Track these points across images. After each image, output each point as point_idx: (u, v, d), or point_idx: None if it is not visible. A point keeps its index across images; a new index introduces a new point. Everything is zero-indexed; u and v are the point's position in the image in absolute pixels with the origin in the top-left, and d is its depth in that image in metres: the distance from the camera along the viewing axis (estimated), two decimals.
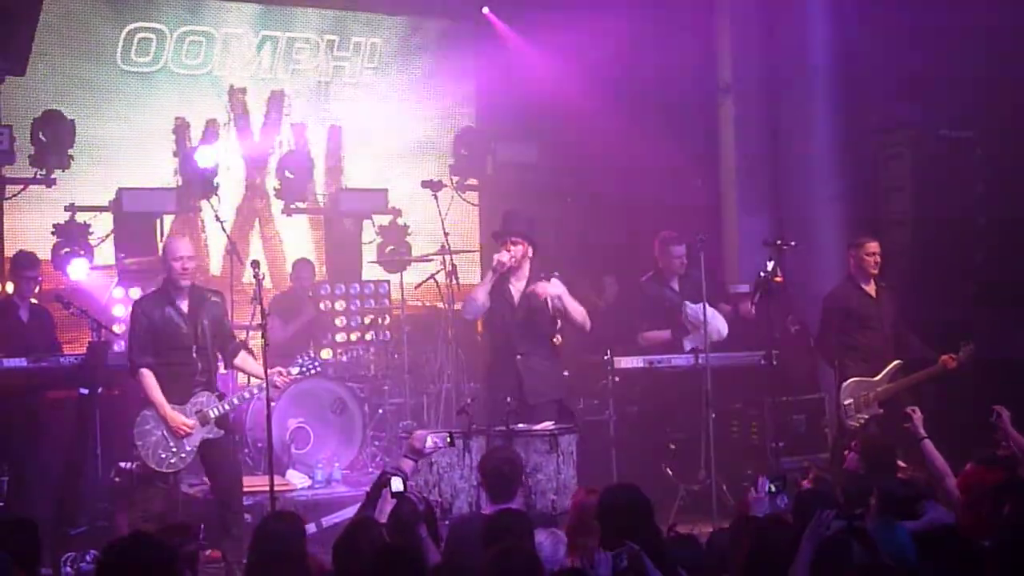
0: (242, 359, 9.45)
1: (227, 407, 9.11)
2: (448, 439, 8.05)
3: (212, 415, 8.97)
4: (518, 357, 9.49)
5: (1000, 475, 7.53)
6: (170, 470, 8.94)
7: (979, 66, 12.13)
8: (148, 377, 8.90)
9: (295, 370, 9.24)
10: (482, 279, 10.02)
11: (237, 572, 8.48)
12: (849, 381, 10.63)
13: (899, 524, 6.54)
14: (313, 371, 9.40)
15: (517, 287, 9.57)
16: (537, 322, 9.61)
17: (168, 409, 8.86)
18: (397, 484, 6.79)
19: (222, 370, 9.58)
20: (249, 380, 9.68)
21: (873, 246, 10.80)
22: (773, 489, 6.91)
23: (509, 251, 9.47)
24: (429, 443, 7.87)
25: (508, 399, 9.10)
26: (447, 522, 7.90)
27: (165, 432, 8.86)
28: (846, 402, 10.60)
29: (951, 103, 12.45)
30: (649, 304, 11.49)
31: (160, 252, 9.32)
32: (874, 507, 6.99)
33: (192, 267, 9.14)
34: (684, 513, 10.41)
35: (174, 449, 8.88)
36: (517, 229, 9.59)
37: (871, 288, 10.81)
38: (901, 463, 8.52)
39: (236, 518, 9.05)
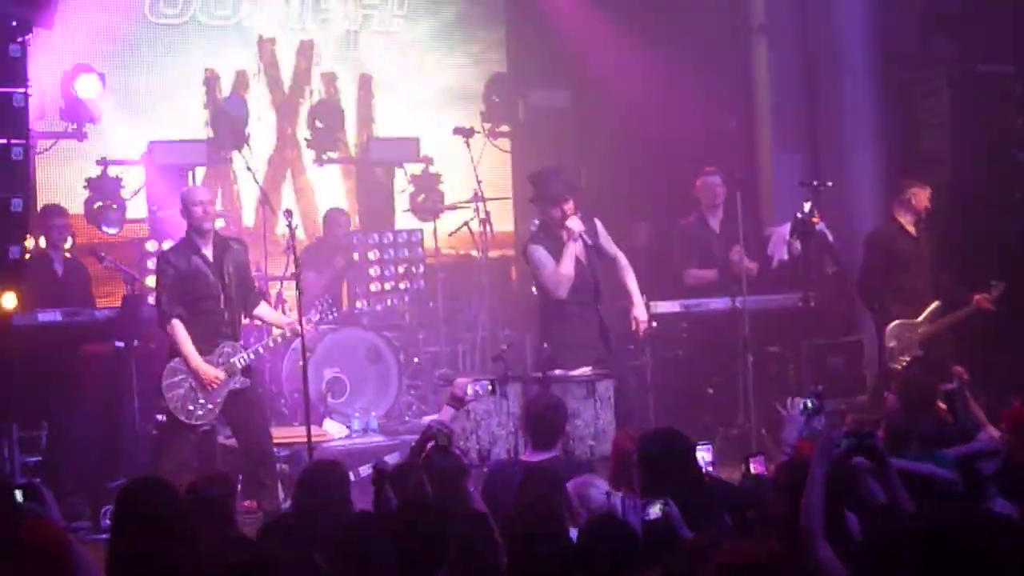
0: (262, 309, 9.43)
1: (252, 356, 9.08)
2: (489, 387, 8.02)
3: (239, 365, 8.94)
4: (599, 307, 9.49)
5: None
6: (198, 422, 8.93)
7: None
8: (179, 328, 8.85)
9: (315, 316, 9.27)
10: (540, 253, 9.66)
11: None
12: (894, 323, 10.55)
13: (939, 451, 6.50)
14: (331, 316, 9.50)
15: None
16: (600, 273, 9.61)
17: (200, 361, 8.81)
18: (443, 439, 6.79)
19: (243, 320, 9.55)
20: (271, 329, 9.69)
21: (929, 191, 10.72)
22: (809, 407, 6.72)
23: (574, 212, 9.43)
24: (470, 391, 7.85)
25: (544, 345, 9.06)
26: (485, 469, 7.88)
27: (193, 384, 8.83)
28: (890, 344, 10.52)
29: (988, 38, 12.27)
30: (694, 244, 11.43)
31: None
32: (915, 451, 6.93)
33: (212, 211, 9.10)
34: (722, 456, 10.35)
35: (202, 401, 8.85)
36: (573, 187, 9.63)
37: (913, 228, 10.71)
38: (941, 404, 8.45)
39: (267, 468, 9.03)
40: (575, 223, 9.36)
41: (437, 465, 6.52)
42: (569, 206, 9.40)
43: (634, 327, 9.75)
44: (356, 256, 12.27)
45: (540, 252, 9.47)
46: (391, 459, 8.84)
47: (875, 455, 5.72)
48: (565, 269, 9.36)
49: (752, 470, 6.78)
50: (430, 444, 6.78)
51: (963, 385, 8.43)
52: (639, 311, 9.71)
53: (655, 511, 5.74)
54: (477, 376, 8.36)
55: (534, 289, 9.91)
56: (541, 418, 7.55)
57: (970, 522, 4.56)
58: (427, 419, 9.17)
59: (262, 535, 5.86)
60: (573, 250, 9.37)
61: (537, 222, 10.00)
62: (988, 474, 6.34)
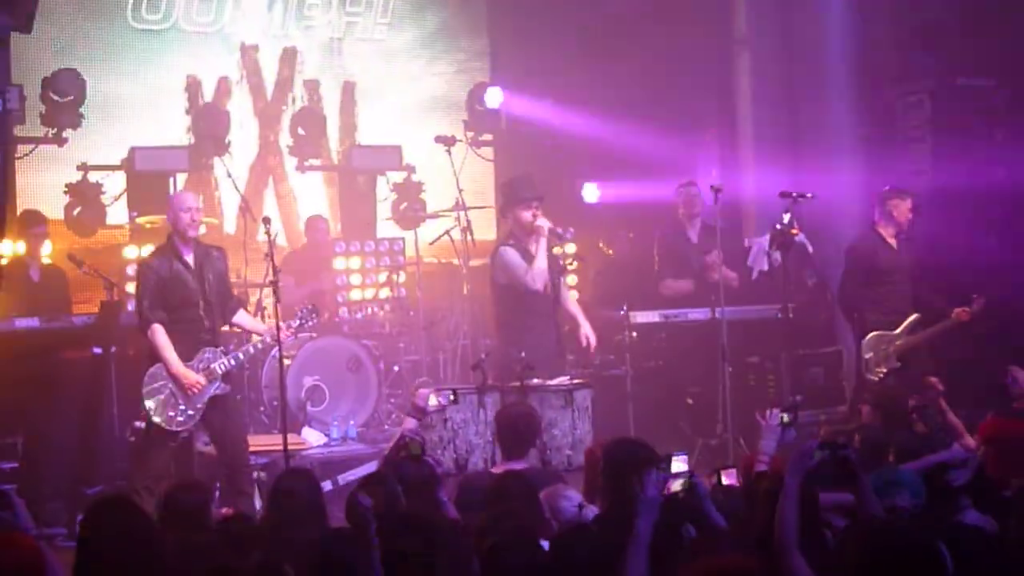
0: (240, 317, 9.41)
1: (232, 362, 9.06)
2: (452, 397, 8.02)
3: (219, 371, 8.92)
4: (556, 318, 9.63)
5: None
6: (179, 428, 8.89)
7: (997, 12, 11.97)
8: (160, 333, 8.83)
9: (295, 323, 9.23)
10: (515, 247, 9.74)
11: None
12: (871, 335, 10.54)
13: (903, 468, 6.47)
14: (311, 323, 9.41)
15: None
16: (559, 282, 9.74)
17: (180, 366, 8.79)
18: (415, 448, 6.77)
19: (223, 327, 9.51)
20: (251, 336, 9.65)
21: (910, 202, 10.72)
22: (785, 420, 6.71)
23: (541, 215, 9.54)
24: (433, 401, 7.84)
25: (522, 354, 9.06)
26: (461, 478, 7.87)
27: (174, 389, 8.81)
28: (867, 356, 10.51)
29: (969, 51, 12.29)
30: (670, 255, 11.46)
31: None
32: (892, 463, 6.92)
33: (200, 218, 9.09)
34: (701, 467, 10.34)
35: (182, 407, 8.83)
36: (540, 192, 9.69)
37: (894, 240, 10.72)
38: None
39: (245, 476, 9.02)
40: (544, 221, 9.46)
41: (410, 474, 6.52)
42: (538, 210, 9.50)
43: (584, 344, 9.82)
44: (338, 263, 12.24)
45: (511, 253, 9.55)
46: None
47: (848, 467, 5.70)
48: (540, 262, 9.48)
49: (724, 481, 6.77)
50: (403, 453, 6.78)
51: (937, 396, 8.45)
52: (587, 329, 9.80)
53: (677, 486, 5.64)
54: (440, 386, 8.35)
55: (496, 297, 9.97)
56: (513, 427, 7.56)
57: (941, 534, 4.58)
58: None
59: (227, 540, 5.81)
60: (545, 245, 9.46)
61: None
62: (959, 485, 6.33)
